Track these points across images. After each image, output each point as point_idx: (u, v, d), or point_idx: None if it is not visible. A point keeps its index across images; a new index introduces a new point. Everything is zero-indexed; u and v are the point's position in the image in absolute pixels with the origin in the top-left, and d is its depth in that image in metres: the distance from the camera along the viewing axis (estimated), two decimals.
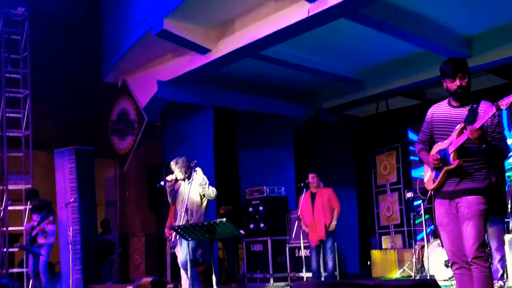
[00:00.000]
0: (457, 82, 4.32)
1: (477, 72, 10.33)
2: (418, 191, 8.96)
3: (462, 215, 4.25)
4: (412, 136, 12.00)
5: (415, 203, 10.32)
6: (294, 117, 12.39)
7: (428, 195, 7.98)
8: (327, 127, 13.10)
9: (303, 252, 8.99)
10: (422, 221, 8.88)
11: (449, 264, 4.51)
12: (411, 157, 12.02)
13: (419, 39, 9.21)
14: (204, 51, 9.65)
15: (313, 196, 9.10)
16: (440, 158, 4.34)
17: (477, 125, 4.13)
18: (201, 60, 9.92)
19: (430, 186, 4.51)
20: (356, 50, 10.25)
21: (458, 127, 4.29)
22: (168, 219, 9.61)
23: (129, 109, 12.19)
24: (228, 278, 11.74)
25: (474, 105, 4.32)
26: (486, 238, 4.94)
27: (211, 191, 7.46)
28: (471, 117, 4.27)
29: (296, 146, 12.98)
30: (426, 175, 4.61)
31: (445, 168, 4.33)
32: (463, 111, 4.36)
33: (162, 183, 7.43)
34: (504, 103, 4.04)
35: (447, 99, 4.50)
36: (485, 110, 4.21)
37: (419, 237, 11.08)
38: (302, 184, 9.07)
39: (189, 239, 6.22)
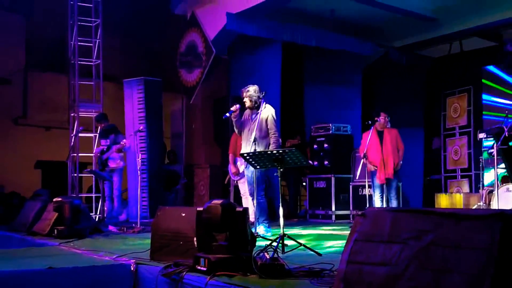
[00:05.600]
0: None
1: None
2: (491, 132, 8.68)
3: None
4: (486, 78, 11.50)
5: (484, 143, 10.02)
6: (363, 55, 12.12)
7: (502, 136, 7.72)
8: (397, 66, 12.75)
9: (367, 191, 8.92)
10: (491, 162, 8.57)
11: None
12: (484, 101, 11.58)
13: None
14: None
15: (380, 134, 8.96)
16: None
17: None
18: None
19: None
20: None
21: None
22: (230, 152, 9.37)
23: (197, 42, 12.18)
24: (289, 214, 11.85)
25: None
26: None
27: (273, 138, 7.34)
28: None
29: (363, 85, 12.74)
30: None
31: None
32: None
33: (227, 114, 7.40)
34: None
35: None
36: None
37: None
38: (370, 122, 8.94)
39: (257, 167, 6.24)
